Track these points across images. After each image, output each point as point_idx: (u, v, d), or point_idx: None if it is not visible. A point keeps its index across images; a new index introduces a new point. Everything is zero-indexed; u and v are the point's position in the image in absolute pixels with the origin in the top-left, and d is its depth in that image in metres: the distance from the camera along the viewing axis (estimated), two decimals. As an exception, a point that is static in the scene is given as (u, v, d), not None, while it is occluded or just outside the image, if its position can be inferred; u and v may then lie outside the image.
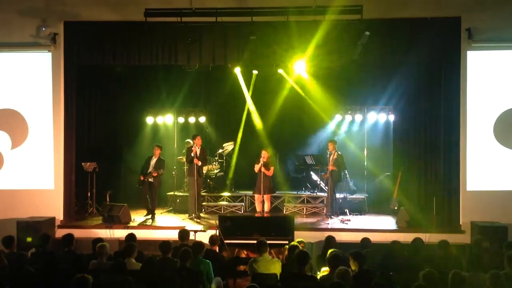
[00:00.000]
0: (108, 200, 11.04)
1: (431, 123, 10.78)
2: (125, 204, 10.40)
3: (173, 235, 8.13)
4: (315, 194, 11.96)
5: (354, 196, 11.80)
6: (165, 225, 10.17)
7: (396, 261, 6.63)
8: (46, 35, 10.16)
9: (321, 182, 11.89)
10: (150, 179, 10.74)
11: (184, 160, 11.59)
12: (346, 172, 11.64)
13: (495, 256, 6.65)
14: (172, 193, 12.00)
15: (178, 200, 11.77)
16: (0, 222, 9.92)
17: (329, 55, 10.01)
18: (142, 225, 10.16)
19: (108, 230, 9.78)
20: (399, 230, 9.74)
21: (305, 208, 11.45)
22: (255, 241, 6.79)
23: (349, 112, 12.45)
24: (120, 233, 9.60)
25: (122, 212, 10.11)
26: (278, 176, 12.13)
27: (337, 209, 10.87)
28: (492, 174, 9.92)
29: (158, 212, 11.12)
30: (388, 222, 10.59)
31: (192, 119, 12.83)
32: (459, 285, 5.22)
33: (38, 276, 5.87)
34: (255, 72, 12.47)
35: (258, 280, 5.70)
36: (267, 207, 10.69)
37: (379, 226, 10.18)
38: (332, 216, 10.64)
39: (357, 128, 12.91)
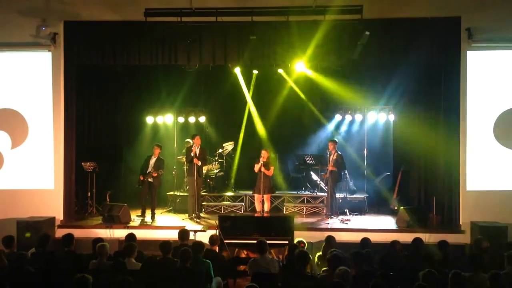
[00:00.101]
0: (108, 200, 11.03)
1: (431, 123, 10.77)
2: (125, 204, 10.40)
3: (173, 235, 8.12)
4: (315, 194, 11.96)
5: (354, 196, 11.79)
6: (165, 225, 10.17)
7: (396, 261, 6.63)
8: (46, 35, 10.15)
9: (321, 182, 11.89)
10: (149, 179, 10.74)
11: (184, 160, 11.59)
12: (346, 172, 11.64)
13: (495, 256, 6.65)
14: (172, 193, 12.00)
15: (178, 200, 11.77)
16: (0, 222, 9.92)
17: (329, 55, 10.03)
18: (142, 225, 10.16)
19: (108, 230, 9.77)
20: (399, 230, 9.74)
21: (305, 208, 11.45)
22: (255, 241, 6.79)
23: (349, 112, 12.44)
24: (120, 233, 9.59)
25: (122, 212, 10.12)
26: (278, 176, 12.15)
27: (337, 209, 10.87)
28: (492, 174, 9.92)
29: (158, 212, 11.12)
30: (388, 222, 10.59)
31: (192, 119, 12.83)
32: (459, 285, 5.23)
33: (38, 276, 5.88)
34: (255, 72, 12.50)
35: (258, 280, 5.70)
36: (267, 207, 10.69)
37: (379, 226, 10.18)
38: (332, 216, 10.64)
39: (357, 128, 12.91)
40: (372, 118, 12.50)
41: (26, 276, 5.82)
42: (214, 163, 12.47)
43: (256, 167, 10.53)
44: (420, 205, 11.00)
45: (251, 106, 12.76)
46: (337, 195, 11.11)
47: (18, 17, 10.17)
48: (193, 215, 10.57)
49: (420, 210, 10.26)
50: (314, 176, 12.24)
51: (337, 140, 11.31)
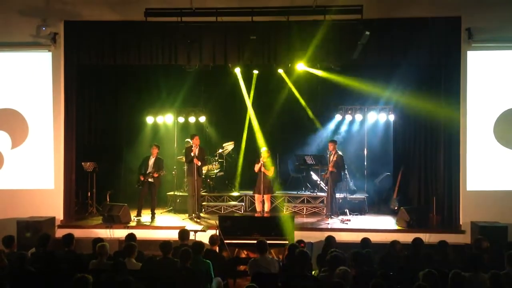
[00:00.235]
0: (108, 200, 11.03)
1: (431, 123, 10.77)
2: (125, 204, 10.40)
3: (173, 235, 8.12)
4: (315, 194, 11.96)
5: (354, 196, 11.80)
6: (165, 225, 10.18)
7: (396, 261, 6.63)
8: (46, 34, 10.15)
9: (321, 182, 11.89)
10: (150, 179, 10.74)
11: (184, 160, 11.59)
12: (346, 172, 11.64)
13: (495, 256, 6.65)
14: (172, 193, 12.00)
15: (178, 200, 11.77)
16: (0, 222, 9.92)
17: (329, 55, 10.04)
18: (142, 225, 10.17)
19: (108, 230, 9.77)
20: (399, 230, 9.75)
21: (305, 208, 11.44)
22: (255, 241, 6.80)
23: (349, 112, 12.44)
24: (120, 233, 9.59)
25: (122, 212, 10.11)
26: (278, 176, 12.14)
27: (337, 209, 10.87)
28: (492, 174, 9.92)
29: (158, 212, 11.12)
30: (388, 222, 10.59)
31: (192, 119, 12.82)
32: (459, 285, 5.23)
33: (38, 276, 5.87)
34: (255, 72, 12.51)
35: (258, 280, 5.70)
36: (267, 207, 10.69)
37: (379, 226, 10.18)
38: (332, 216, 10.64)
39: (357, 128, 12.91)
40: (372, 118, 12.50)
41: (26, 276, 5.82)
42: (214, 163, 12.47)
43: (256, 167, 10.53)
44: (420, 205, 11.00)
45: (249, 107, 12.77)
46: (337, 195, 11.11)
47: (18, 17, 10.17)
48: (193, 215, 10.58)
49: (420, 210, 10.26)
50: (314, 176, 12.24)
51: (337, 141, 11.31)
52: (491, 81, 9.96)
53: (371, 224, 10.38)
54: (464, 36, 9.76)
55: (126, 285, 5.10)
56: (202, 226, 9.16)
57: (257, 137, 12.69)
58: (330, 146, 10.90)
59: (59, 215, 10.17)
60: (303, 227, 9.81)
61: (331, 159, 10.80)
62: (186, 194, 11.43)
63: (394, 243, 7.08)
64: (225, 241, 8.16)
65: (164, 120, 12.96)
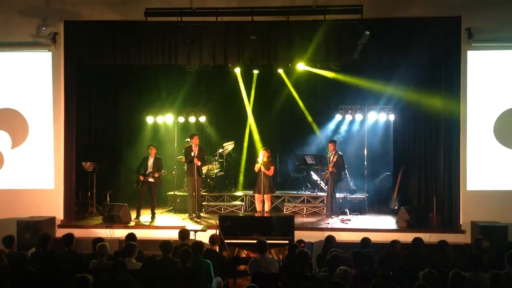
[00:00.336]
0: (108, 199, 11.03)
1: (431, 123, 10.78)
2: (126, 204, 10.41)
3: (173, 235, 8.13)
4: (315, 194, 11.96)
5: (354, 196, 11.79)
6: (165, 225, 10.18)
7: (396, 261, 6.64)
8: (46, 34, 10.14)
9: (321, 181, 11.89)
10: (150, 179, 10.74)
11: (184, 160, 11.59)
12: (346, 172, 11.64)
13: (495, 256, 6.65)
14: (172, 193, 12.00)
15: (178, 200, 11.77)
16: (0, 221, 9.92)
17: (329, 55, 10.04)
18: (142, 225, 10.17)
19: (108, 230, 9.78)
20: (399, 230, 9.75)
21: (305, 208, 11.44)
22: (255, 241, 6.79)
23: (349, 111, 12.44)
24: (120, 233, 9.59)
25: (123, 212, 10.12)
26: (277, 176, 12.15)
27: (337, 209, 10.87)
28: (492, 174, 9.92)
29: (158, 212, 11.12)
30: (388, 222, 10.59)
31: (192, 119, 12.82)
32: (459, 285, 5.23)
33: (38, 276, 5.88)
34: (256, 71, 12.51)
35: (258, 280, 5.70)
36: (267, 207, 10.69)
37: (379, 226, 10.18)
38: (332, 216, 10.64)
39: (357, 128, 12.91)
40: (372, 118, 12.50)
41: (26, 276, 5.82)
42: (214, 163, 12.47)
43: (256, 167, 10.54)
44: (420, 205, 11.00)
45: (249, 107, 12.77)
46: (337, 195, 11.12)
47: (18, 17, 10.17)
48: (193, 215, 10.58)
49: (420, 210, 10.26)
50: (314, 176, 12.24)
51: (337, 140, 11.31)
52: (491, 81, 9.95)
53: (371, 224, 10.38)
54: (464, 36, 9.76)
55: (126, 285, 5.10)
56: (202, 226, 9.16)
57: (254, 137, 12.72)
58: (330, 146, 10.90)
59: (59, 215, 10.17)
60: (303, 227, 9.81)
61: (331, 159, 10.80)
62: (186, 194, 11.44)
63: (394, 243, 7.08)
64: (225, 241, 8.16)
65: (164, 120, 12.96)
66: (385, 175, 12.27)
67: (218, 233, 8.15)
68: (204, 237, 7.99)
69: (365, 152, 12.44)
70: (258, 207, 10.74)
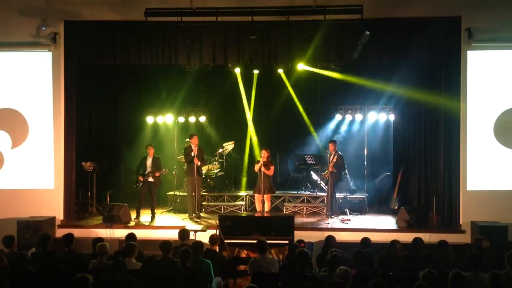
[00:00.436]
0: (108, 199, 11.03)
1: (431, 123, 10.78)
2: (126, 204, 10.41)
3: (173, 235, 8.13)
4: (315, 194, 11.96)
5: (354, 196, 11.79)
6: (165, 225, 10.18)
7: (396, 261, 6.64)
8: (46, 34, 10.14)
9: (321, 181, 11.89)
10: (150, 179, 10.74)
11: (184, 160, 11.58)
12: (346, 172, 11.64)
13: (495, 256, 6.65)
14: (172, 193, 12.00)
15: (178, 200, 11.77)
16: (0, 221, 9.92)
17: (329, 55, 10.04)
18: (142, 225, 10.17)
19: (108, 230, 9.78)
20: (399, 230, 9.75)
21: (305, 208, 11.44)
22: (255, 241, 6.80)
23: (349, 112, 12.44)
24: (120, 233, 9.60)
25: (123, 212, 10.12)
26: (278, 176, 12.14)
27: (337, 209, 10.87)
28: (492, 174, 9.92)
29: (158, 212, 11.12)
30: (388, 222, 10.59)
31: (192, 119, 12.81)
32: (459, 285, 5.23)
33: (38, 275, 5.88)
34: (256, 71, 12.51)
35: (258, 280, 5.70)
36: (267, 207, 10.68)
37: (379, 226, 10.18)
38: (332, 216, 10.64)
39: (357, 128, 12.91)
40: (372, 118, 12.49)
41: (26, 275, 5.83)
42: (214, 163, 12.47)
43: (256, 167, 10.53)
44: (420, 205, 11.00)
45: (249, 107, 12.78)
46: (337, 195, 11.12)
47: (18, 17, 10.17)
48: (193, 215, 10.58)
49: (420, 210, 10.26)
50: (314, 176, 12.24)
51: (337, 141, 11.31)
52: (491, 81, 9.96)
53: (371, 224, 10.38)
54: (464, 36, 9.76)
55: (126, 285, 5.10)
56: (202, 226, 9.16)
57: (254, 137, 12.72)
58: (331, 147, 10.90)
59: (59, 215, 10.17)
60: (303, 227, 9.81)
61: (331, 159, 10.79)
62: (186, 194, 11.43)
63: (394, 242, 7.09)
64: (225, 241, 8.16)
65: (164, 120, 12.96)
66: (385, 175, 12.27)
67: (218, 233, 8.15)
68: (204, 237, 7.99)
69: (365, 152, 12.44)
70: (258, 207, 10.73)
